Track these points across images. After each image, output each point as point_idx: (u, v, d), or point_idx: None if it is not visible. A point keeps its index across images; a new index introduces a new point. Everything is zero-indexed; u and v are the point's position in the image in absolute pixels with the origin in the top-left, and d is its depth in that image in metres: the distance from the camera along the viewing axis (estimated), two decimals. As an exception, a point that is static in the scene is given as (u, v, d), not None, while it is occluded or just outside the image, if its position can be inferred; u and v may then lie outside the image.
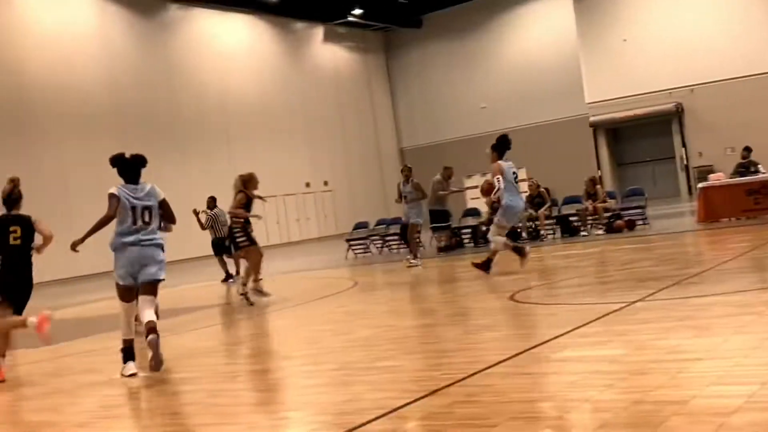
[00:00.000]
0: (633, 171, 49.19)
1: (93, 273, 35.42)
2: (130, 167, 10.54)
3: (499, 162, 16.71)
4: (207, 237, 25.11)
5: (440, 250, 25.61)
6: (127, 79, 42.79)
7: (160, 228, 10.58)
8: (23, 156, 36.86)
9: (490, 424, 6.07)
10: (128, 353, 10.34)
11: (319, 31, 55.18)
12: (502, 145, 16.86)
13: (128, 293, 10.28)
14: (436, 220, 25.77)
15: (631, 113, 46.78)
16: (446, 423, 6.29)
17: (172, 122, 44.53)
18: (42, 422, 8.57)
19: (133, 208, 10.24)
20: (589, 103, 47.91)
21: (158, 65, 44.49)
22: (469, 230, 27.82)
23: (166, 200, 10.58)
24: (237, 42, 49.62)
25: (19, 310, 11.28)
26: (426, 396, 7.22)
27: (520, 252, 16.90)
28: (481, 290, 15.01)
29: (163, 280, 10.32)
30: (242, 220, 17.62)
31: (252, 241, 17.52)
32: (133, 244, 10.17)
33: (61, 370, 11.63)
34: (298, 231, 50.62)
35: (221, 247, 24.02)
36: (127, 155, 10.63)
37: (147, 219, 10.29)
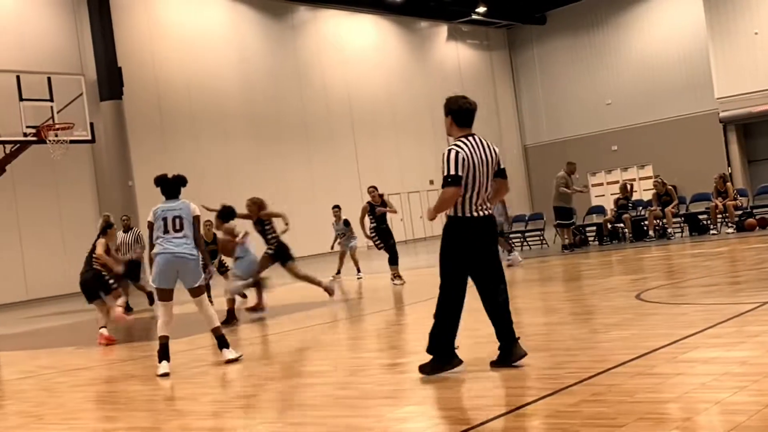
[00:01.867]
0: (765, 168, 47.99)
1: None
2: (170, 186, 11.52)
3: None
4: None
5: (564, 248, 25.41)
6: (259, 80, 43.43)
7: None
8: (161, 156, 37.68)
9: (617, 424, 6.01)
10: (162, 353, 11.01)
11: (443, 30, 55.13)
12: None
13: (166, 294, 11.27)
14: (560, 218, 25.60)
15: (764, 108, 45.52)
16: (572, 422, 6.23)
17: (301, 122, 44.99)
18: (176, 411, 8.86)
19: (164, 219, 11.28)
20: (719, 98, 46.75)
21: (288, 66, 45.02)
22: (593, 228, 27.54)
23: (198, 217, 11.52)
24: (363, 42, 49.91)
25: None
26: (551, 394, 7.18)
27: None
28: (606, 288, 14.87)
29: (203, 284, 11.49)
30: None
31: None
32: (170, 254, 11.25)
33: (195, 361, 11.88)
34: (422, 228, 50.70)
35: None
36: (169, 176, 11.61)
37: (182, 231, 11.27)
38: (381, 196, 22.00)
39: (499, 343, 8.72)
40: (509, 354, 8.63)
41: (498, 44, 58.84)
